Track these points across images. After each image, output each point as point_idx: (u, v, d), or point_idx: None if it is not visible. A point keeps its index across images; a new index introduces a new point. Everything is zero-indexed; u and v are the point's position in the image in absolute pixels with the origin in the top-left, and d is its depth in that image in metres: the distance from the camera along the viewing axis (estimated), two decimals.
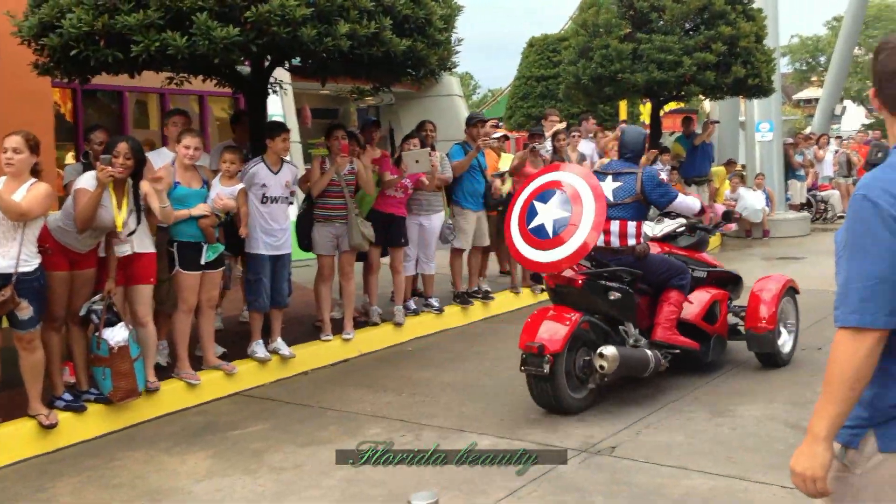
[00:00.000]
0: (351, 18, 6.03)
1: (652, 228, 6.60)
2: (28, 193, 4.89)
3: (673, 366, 6.05)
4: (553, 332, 5.38)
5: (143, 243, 5.69)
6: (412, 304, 8.20)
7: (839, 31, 25.14)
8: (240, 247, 6.65)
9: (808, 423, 2.07)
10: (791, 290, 6.67)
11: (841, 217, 15.67)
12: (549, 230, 5.46)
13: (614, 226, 5.87)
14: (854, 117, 40.05)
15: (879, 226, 2.00)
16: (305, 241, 7.33)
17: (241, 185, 6.29)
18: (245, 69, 7.46)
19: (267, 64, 7.26)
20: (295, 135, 12.23)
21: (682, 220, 6.74)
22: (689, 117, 13.97)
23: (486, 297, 8.86)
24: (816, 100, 29.53)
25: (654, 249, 6.22)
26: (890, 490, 2.07)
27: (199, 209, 5.98)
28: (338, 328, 7.36)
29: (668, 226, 6.73)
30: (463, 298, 8.62)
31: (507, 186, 8.95)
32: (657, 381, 6.10)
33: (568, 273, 5.64)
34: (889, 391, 2.06)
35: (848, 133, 26.36)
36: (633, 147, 6.17)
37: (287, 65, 7.50)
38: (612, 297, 5.66)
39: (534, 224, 5.54)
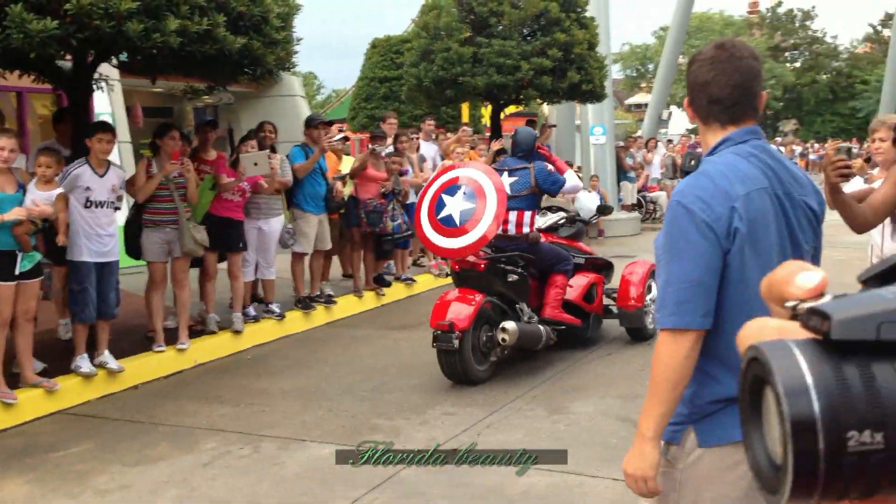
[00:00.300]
0: (181, 14, 5.76)
1: (537, 220, 7.12)
2: None
3: (558, 342, 6.68)
4: (460, 311, 6.01)
5: None
6: (252, 311, 7.96)
7: (665, 40, 26.50)
8: (61, 254, 6.23)
9: (638, 421, 2.12)
10: (655, 273, 7.23)
11: None
12: (457, 220, 6.10)
13: (512, 216, 6.58)
14: (680, 122, 42.45)
15: (694, 231, 2.07)
16: (134, 248, 6.96)
17: (59, 190, 5.89)
18: (66, 64, 7.00)
19: (91, 59, 6.84)
20: (125, 134, 11.62)
21: (563, 214, 7.65)
22: (532, 120, 14.29)
23: (328, 301, 8.73)
24: (646, 105, 31.04)
25: (541, 239, 6.82)
26: (708, 483, 2.15)
27: (11, 214, 5.54)
28: (172, 338, 7.03)
29: (550, 218, 7.48)
30: (305, 303, 8.46)
31: (348, 189, 8.85)
32: (494, 383, 6.23)
33: (471, 258, 6.26)
34: (706, 389, 2.15)
35: (675, 136, 27.90)
36: (524, 146, 6.89)
37: (114, 60, 7.11)
38: (510, 280, 6.39)
39: (443, 214, 6.17)
